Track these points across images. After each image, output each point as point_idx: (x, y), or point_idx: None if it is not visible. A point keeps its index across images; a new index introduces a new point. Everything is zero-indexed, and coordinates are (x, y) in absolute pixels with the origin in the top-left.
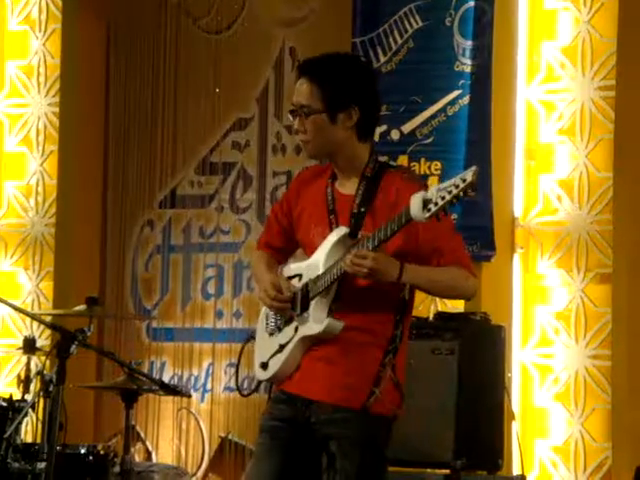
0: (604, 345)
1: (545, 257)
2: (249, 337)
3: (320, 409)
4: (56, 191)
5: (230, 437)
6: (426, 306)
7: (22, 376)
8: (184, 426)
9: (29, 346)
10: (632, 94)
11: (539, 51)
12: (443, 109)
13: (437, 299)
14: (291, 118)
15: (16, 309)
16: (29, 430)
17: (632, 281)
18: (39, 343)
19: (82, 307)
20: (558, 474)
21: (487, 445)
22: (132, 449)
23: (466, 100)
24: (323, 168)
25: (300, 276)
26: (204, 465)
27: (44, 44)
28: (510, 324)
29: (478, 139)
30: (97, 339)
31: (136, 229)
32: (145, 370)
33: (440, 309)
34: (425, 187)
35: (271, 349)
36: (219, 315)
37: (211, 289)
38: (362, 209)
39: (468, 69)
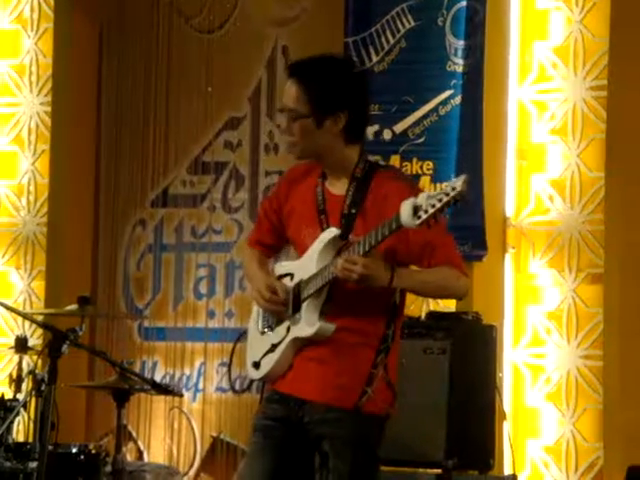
0: (596, 345)
1: (537, 257)
2: (240, 336)
3: (313, 409)
4: (48, 190)
5: (222, 437)
6: (418, 305)
7: (14, 375)
8: (176, 426)
9: (21, 345)
10: (624, 94)
11: (531, 51)
12: (435, 109)
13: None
14: (279, 118)
15: (8, 308)
16: (21, 429)
17: (623, 281)
18: (31, 342)
19: (74, 306)
20: (549, 474)
21: (478, 445)
22: (124, 448)
23: (458, 100)
24: (313, 165)
25: (292, 275)
26: (196, 465)
27: (36, 43)
28: (502, 324)
29: (470, 139)
30: (89, 338)
31: (128, 228)
32: (137, 369)
33: (432, 308)
34: (415, 186)
35: (263, 348)
36: (211, 315)
37: (203, 289)
38: (352, 210)
39: (460, 69)
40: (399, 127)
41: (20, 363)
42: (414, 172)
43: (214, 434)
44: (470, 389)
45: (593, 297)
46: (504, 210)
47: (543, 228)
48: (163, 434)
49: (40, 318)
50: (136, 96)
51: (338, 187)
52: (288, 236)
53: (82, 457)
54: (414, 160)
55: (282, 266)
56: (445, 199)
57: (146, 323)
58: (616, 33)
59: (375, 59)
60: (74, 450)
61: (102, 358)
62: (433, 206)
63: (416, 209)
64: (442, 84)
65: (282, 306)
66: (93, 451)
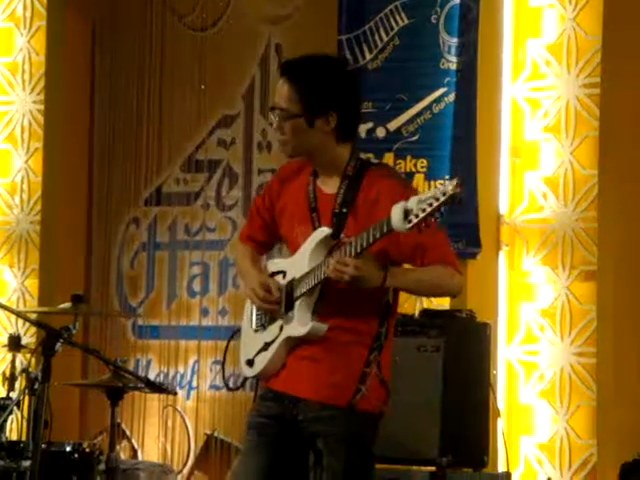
0: (589, 342)
1: (530, 254)
2: (234, 333)
3: (307, 407)
4: (41, 188)
5: (216, 435)
6: (412, 303)
7: (7, 374)
8: (170, 424)
9: (14, 344)
10: (617, 91)
11: (524, 48)
12: (429, 107)
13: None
14: (271, 116)
15: (1, 307)
16: (14, 428)
17: (617, 278)
18: (24, 341)
19: (67, 305)
20: (543, 471)
21: (472, 442)
22: (117, 447)
23: (452, 97)
24: (305, 163)
25: (284, 273)
26: (190, 462)
27: (29, 41)
28: (495, 321)
29: (464, 136)
30: (82, 337)
31: (121, 227)
32: (131, 368)
33: (426, 306)
34: (407, 184)
35: (256, 346)
36: (205, 313)
37: (197, 287)
38: (344, 210)
39: (454, 66)
40: (393, 125)
41: (13, 361)
42: (408, 170)
43: (208, 432)
44: (464, 386)
45: (586, 294)
46: (498, 208)
47: (537, 226)
48: (157, 432)
49: (33, 316)
50: (129, 94)
51: (330, 185)
52: (280, 234)
53: (76, 455)
54: (408, 158)
55: (274, 263)
56: (436, 204)
57: (140, 321)
58: (609, 31)
59: (369, 57)
60: (68, 449)
61: (96, 356)
62: (424, 210)
63: (407, 213)
64: (436, 82)
65: (276, 304)
66: (87, 449)
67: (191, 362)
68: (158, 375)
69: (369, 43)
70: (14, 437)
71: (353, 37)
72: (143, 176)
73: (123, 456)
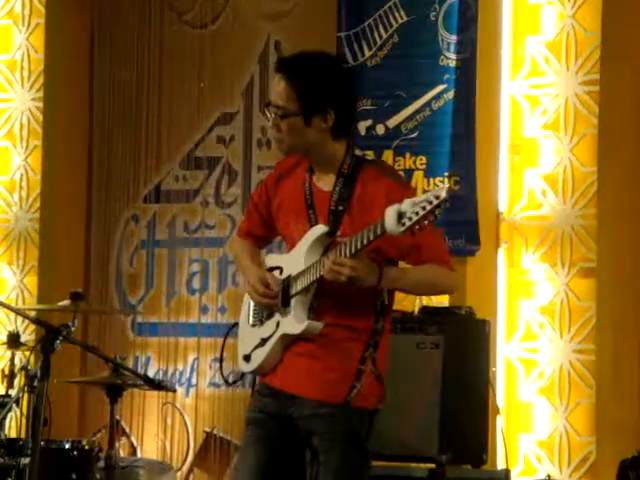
0: (588, 339)
1: (529, 251)
2: (229, 329)
3: (303, 404)
4: (40, 186)
5: (215, 432)
6: (411, 300)
7: (6, 371)
8: (169, 421)
9: (13, 341)
10: (616, 88)
11: (523, 46)
12: (428, 103)
13: None
14: (267, 113)
15: (0, 304)
16: (13, 425)
17: (616, 275)
18: (23, 338)
19: (66, 302)
20: (542, 468)
21: (472, 439)
22: (117, 444)
23: (451, 94)
24: (301, 158)
25: (281, 269)
26: (189, 460)
27: (27, 38)
28: (495, 318)
29: (463, 133)
30: (81, 334)
31: (121, 224)
32: (130, 365)
33: (425, 303)
34: (401, 180)
35: (253, 341)
36: (204, 310)
37: (196, 284)
38: (340, 208)
39: (453, 63)
40: (392, 122)
41: (12, 359)
42: (407, 167)
43: (207, 429)
44: (463, 384)
45: (586, 291)
46: (497, 205)
47: (536, 223)
48: (156, 429)
49: (32, 314)
50: (128, 91)
51: (325, 182)
52: (278, 229)
53: (75, 453)
54: (407, 155)
55: (272, 258)
56: (429, 207)
57: (139, 318)
58: (608, 28)
59: (368, 54)
60: (67, 446)
61: (95, 354)
62: (417, 213)
63: (400, 216)
64: (435, 79)
65: (276, 300)
66: (86, 447)
67: (190, 359)
68: (157, 372)
69: (368, 40)
70: (13, 434)
71: (352, 34)
72: (142, 173)
73: (122, 453)
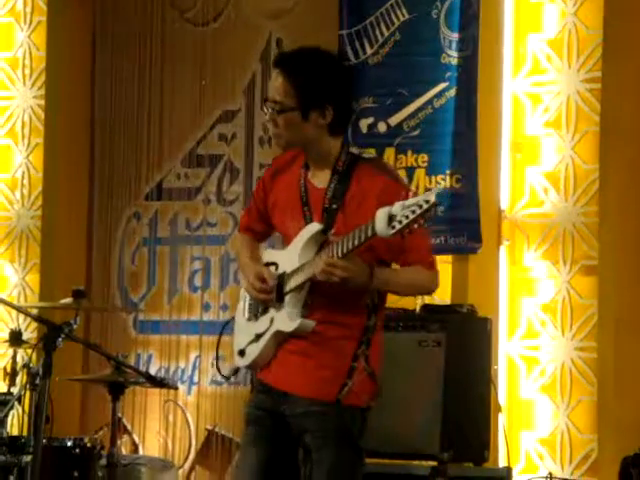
0: (590, 337)
1: (531, 249)
2: (224, 326)
3: (295, 402)
4: (42, 184)
5: (217, 430)
6: (412, 298)
7: (8, 369)
8: (171, 419)
9: (15, 339)
10: (618, 86)
11: (525, 43)
12: (430, 101)
13: None
14: (265, 109)
15: (2, 302)
16: (15, 423)
17: (618, 273)
18: (25, 336)
19: (68, 300)
20: (544, 466)
21: (473, 437)
22: (119, 442)
23: (452, 92)
24: (297, 154)
25: (276, 265)
26: (191, 457)
27: (29, 36)
28: (496, 316)
29: (465, 131)
30: (83, 332)
31: (122, 222)
32: (132, 363)
33: (427, 301)
34: (396, 177)
35: (248, 336)
36: (206, 308)
37: (198, 281)
38: (334, 206)
39: (454, 61)
40: (394, 120)
41: (14, 357)
42: (409, 165)
43: (209, 427)
44: (465, 381)
45: (587, 289)
46: (499, 203)
47: (537, 220)
48: (158, 427)
49: (34, 311)
50: (130, 89)
51: (321, 179)
52: (274, 225)
53: (77, 451)
54: (409, 153)
55: (269, 253)
56: (418, 211)
57: (141, 316)
58: (610, 25)
59: (369, 52)
60: (69, 444)
61: (97, 351)
62: (407, 217)
63: (391, 218)
64: (436, 76)
65: (273, 295)
66: (88, 444)
67: (192, 357)
68: (159, 370)
69: (370, 38)
70: (15, 432)
71: (354, 32)
72: (144, 171)
73: (124, 451)
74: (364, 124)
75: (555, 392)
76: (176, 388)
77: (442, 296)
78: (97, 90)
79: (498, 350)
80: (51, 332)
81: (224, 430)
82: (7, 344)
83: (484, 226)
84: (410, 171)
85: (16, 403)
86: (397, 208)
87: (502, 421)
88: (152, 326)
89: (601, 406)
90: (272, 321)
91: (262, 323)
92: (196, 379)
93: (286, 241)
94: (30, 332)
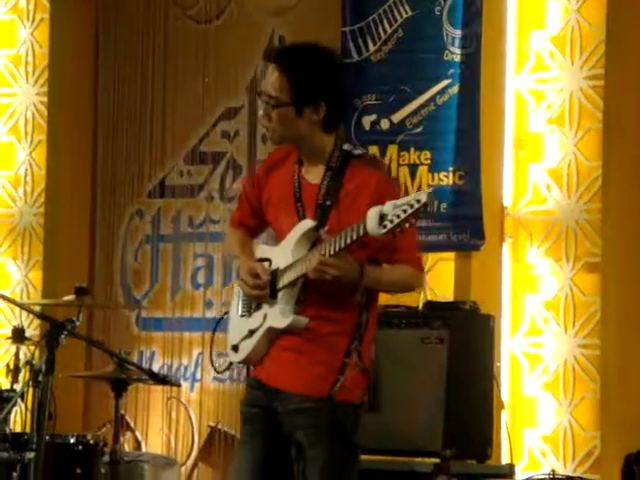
0: (593, 334)
1: (534, 246)
2: (217, 322)
3: (287, 399)
4: (45, 181)
5: (219, 427)
6: (415, 295)
7: (11, 366)
8: (174, 416)
9: (18, 336)
10: (621, 83)
11: (528, 40)
12: (432, 98)
13: (426, 288)
14: (259, 102)
15: (5, 299)
16: (18, 420)
17: (621, 270)
18: (28, 333)
19: (71, 297)
20: (547, 463)
21: (476, 434)
22: (121, 439)
23: (455, 89)
24: (291, 149)
25: (270, 261)
26: (193, 454)
27: (32, 33)
28: (499, 313)
29: (467, 128)
30: (86, 329)
31: (125, 219)
32: (134, 360)
33: (429, 298)
34: (388, 174)
35: (241, 332)
36: (209, 305)
37: (201, 279)
38: (327, 202)
39: (457, 58)
40: (396, 117)
41: (17, 353)
42: (412, 162)
43: (212, 424)
44: (468, 378)
45: (590, 286)
46: (501, 200)
47: (540, 217)
48: (161, 424)
49: (37, 308)
50: (133, 86)
51: (314, 175)
52: (268, 220)
53: (80, 447)
54: (412, 150)
55: (262, 249)
56: (410, 210)
57: (144, 313)
58: (613, 22)
59: (372, 49)
60: (72, 440)
61: (100, 348)
62: (398, 217)
63: (382, 217)
64: (439, 73)
65: (266, 291)
66: (91, 441)
67: (195, 354)
68: (162, 367)
69: (373, 35)
70: (18, 429)
71: (357, 29)
72: (147, 168)
73: (127, 448)
74: (367, 121)
75: (558, 389)
76: (179, 385)
77: (445, 293)
78: (100, 87)
79: (501, 347)
80: (54, 329)
81: (227, 427)
82: (10, 341)
83: (487, 223)
84: (413, 168)
85: (19, 400)
86: (388, 207)
87: (505, 418)
88: (155, 323)
89: (604, 403)
90: (265, 317)
91: (255, 319)
92: (199, 376)
93: (280, 237)
94: (33, 329)
